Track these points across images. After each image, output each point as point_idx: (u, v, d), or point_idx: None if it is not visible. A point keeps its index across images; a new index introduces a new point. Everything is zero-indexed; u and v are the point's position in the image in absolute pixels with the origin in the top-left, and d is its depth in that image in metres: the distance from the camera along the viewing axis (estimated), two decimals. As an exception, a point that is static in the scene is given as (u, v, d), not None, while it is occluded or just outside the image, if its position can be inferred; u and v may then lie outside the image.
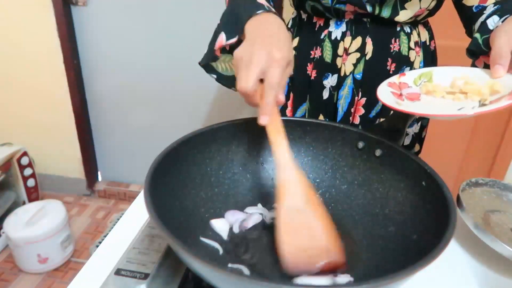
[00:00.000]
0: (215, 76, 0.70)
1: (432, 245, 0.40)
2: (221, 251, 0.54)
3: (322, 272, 0.48)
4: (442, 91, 0.57)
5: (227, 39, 0.59)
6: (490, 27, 0.64)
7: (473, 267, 0.62)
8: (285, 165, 0.51)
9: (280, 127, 0.52)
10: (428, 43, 0.80)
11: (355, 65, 0.76)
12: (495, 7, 0.66)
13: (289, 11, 0.86)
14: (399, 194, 0.57)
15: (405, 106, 0.55)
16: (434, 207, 0.50)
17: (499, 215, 0.67)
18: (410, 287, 0.42)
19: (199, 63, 0.69)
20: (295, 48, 0.82)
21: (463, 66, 0.61)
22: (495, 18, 0.64)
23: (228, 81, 0.71)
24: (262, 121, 0.50)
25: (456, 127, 1.62)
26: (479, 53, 0.65)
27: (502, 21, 0.62)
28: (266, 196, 0.65)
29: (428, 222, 0.50)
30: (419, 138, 0.87)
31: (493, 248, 0.59)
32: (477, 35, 0.65)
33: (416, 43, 0.77)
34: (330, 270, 0.49)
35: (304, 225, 0.50)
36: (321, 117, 0.83)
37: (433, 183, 0.51)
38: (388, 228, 0.56)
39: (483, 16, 0.67)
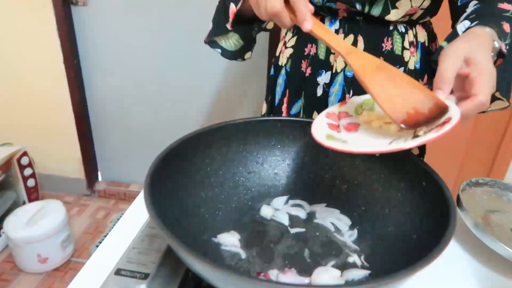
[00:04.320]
0: (219, 50, 0.76)
1: (432, 245, 0.40)
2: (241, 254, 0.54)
3: (432, 117, 0.48)
4: (380, 120, 0.54)
5: (236, 5, 0.65)
6: (460, 33, 0.61)
7: (473, 267, 0.62)
8: (347, 49, 0.54)
9: (323, 24, 0.55)
10: (427, 44, 0.80)
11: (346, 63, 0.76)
12: (475, 6, 0.64)
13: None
14: (399, 194, 0.57)
15: (332, 142, 0.51)
16: (434, 207, 0.50)
17: (499, 215, 0.68)
18: (410, 287, 0.42)
19: (205, 41, 0.75)
20: (292, 47, 0.83)
21: None
22: (466, 23, 0.61)
23: (232, 55, 0.77)
24: (307, 26, 0.53)
25: (456, 127, 1.62)
26: None
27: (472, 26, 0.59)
28: (266, 196, 0.65)
29: (428, 222, 0.50)
30: None
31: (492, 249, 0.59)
32: (444, 43, 0.62)
33: (411, 43, 0.76)
34: (438, 113, 0.48)
35: (391, 78, 0.52)
36: (315, 114, 0.83)
37: (433, 183, 0.51)
38: (388, 228, 0.56)
39: (464, 15, 0.64)
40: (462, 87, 0.51)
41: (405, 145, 0.46)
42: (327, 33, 0.55)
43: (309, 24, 0.53)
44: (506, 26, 0.59)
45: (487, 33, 0.56)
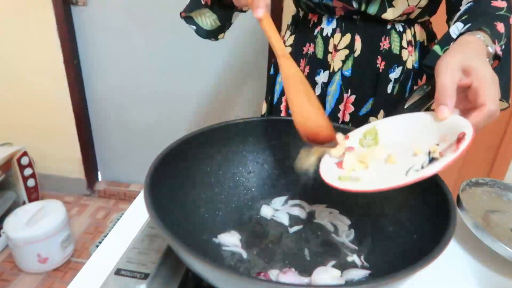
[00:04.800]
0: (194, 27, 0.77)
1: (432, 245, 0.40)
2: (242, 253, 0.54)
3: (322, 141, 0.53)
4: (384, 149, 0.52)
5: None
6: (453, 36, 0.59)
7: (473, 267, 0.62)
8: (283, 52, 0.56)
9: (271, 20, 0.56)
10: (426, 44, 0.80)
11: (343, 62, 0.77)
12: (468, 4, 0.63)
13: (289, 11, 0.87)
14: (399, 194, 0.57)
15: (348, 184, 0.49)
16: (434, 207, 0.50)
17: (499, 215, 0.67)
18: (410, 287, 0.42)
19: (181, 13, 0.76)
20: (291, 45, 0.83)
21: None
22: (459, 25, 0.59)
23: (206, 33, 0.78)
24: (258, 13, 0.54)
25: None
26: None
27: (464, 31, 0.58)
28: (266, 196, 0.65)
29: (428, 222, 0.50)
30: None
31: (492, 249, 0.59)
32: (436, 47, 0.60)
33: (409, 43, 0.76)
34: (327, 140, 0.53)
35: (308, 95, 0.54)
36: None
37: (433, 183, 0.51)
38: (388, 228, 0.56)
39: (457, 15, 0.64)
40: (465, 98, 0.50)
41: (424, 172, 0.43)
42: (273, 31, 0.56)
43: (261, 12, 0.54)
44: (500, 26, 0.58)
45: (479, 39, 0.55)
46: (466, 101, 0.50)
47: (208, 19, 0.76)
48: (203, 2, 0.72)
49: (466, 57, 0.50)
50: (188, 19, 0.77)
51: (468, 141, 0.43)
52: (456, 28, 0.60)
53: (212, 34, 0.79)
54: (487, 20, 0.58)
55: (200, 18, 0.76)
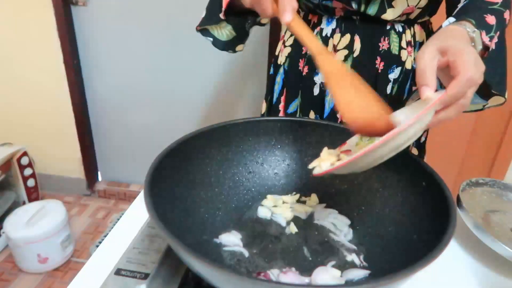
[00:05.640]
0: (211, 39, 0.77)
1: (432, 245, 0.40)
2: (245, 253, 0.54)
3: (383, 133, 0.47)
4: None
5: None
6: None
7: (473, 267, 0.62)
8: (319, 50, 0.54)
9: (302, 21, 0.55)
10: None
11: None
12: (465, 2, 0.64)
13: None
14: (399, 194, 0.57)
15: (332, 166, 0.51)
16: (434, 207, 0.50)
17: (499, 215, 0.68)
18: (410, 287, 0.42)
19: (196, 27, 0.76)
20: (290, 46, 0.84)
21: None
22: (451, 19, 0.60)
23: (223, 45, 0.78)
24: (286, 18, 0.53)
25: (456, 127, 1.62)
26: None
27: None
28: (265, 197, 0.65)
29: (428, 222, 0.50)
30: (417, 142, 0.86)
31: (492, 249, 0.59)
32: None
33: (408, 43, 0.76)
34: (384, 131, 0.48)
35: (355, 86, 0.53)
36: (311, 113, 0.83)
37: (433, 183, 0.51)
38: (388, 228, 0.56)
39: (454, 13, 0.64)
40: (451, 77, 0.50)
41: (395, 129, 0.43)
42: (305, 30, 0.54)
43: (289, 16, 0.53)
44: (490, 19, 0.59)
45: (460, 27, 0.55)
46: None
47: (223, 30, 0.76)
48: (222, 17, 0.71)
49: (443, 40, 0.51)
50: (204, 31, 0.77)
51: (433, 101, 0.45)
52: (448, 22, 0.61)
53: (229, 46, 0.79)
54: (476, 13, 0.59)
55: (216, 30, 0.76)
